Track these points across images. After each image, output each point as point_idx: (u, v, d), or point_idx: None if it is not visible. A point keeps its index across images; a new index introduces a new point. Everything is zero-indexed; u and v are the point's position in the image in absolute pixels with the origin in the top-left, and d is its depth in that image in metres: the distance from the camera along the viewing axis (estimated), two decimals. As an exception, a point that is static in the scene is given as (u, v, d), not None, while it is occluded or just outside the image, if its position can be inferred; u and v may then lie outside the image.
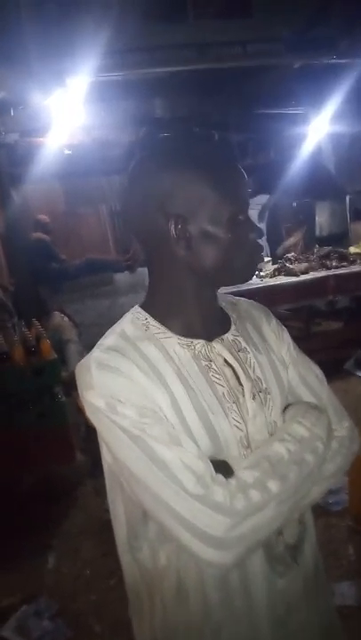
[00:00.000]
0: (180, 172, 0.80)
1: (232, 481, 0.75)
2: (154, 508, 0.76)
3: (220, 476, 0.75)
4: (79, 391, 0.82)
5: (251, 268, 0.88)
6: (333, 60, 3.75)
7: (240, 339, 0.90)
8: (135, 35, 2.97)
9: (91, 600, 2.34)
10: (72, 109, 3.44)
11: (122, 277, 5.32)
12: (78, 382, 0.82)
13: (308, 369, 0.97)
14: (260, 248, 0.89)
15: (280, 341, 0.97)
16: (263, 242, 5.75)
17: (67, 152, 4.84)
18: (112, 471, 0.86)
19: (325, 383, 0.97)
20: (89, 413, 0.81)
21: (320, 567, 0.97)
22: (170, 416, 0.79)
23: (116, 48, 2.90)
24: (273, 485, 0.75)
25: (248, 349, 0.90)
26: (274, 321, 0.99)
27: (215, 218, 0.80)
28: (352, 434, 0.93)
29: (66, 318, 4.53)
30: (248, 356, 0.89)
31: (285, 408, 0.89)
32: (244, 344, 0.90)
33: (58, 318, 4.46)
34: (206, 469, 0.75)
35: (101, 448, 0.86)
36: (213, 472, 0.75)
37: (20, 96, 3.09)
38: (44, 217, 5.32)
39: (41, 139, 4.17)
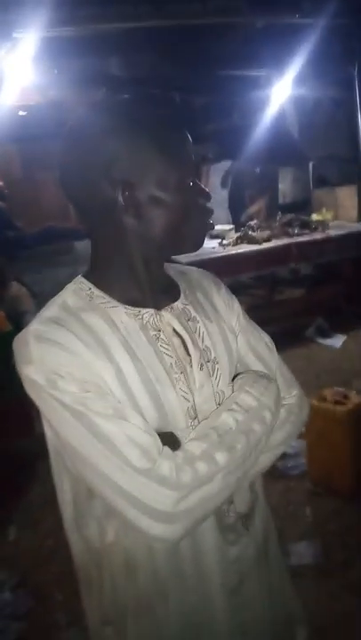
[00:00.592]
0: (125, 135, 0.75)
1: (179, 453, 0.74)
2: (99, 486, 0.74)
3: (167, 449, 0.74)
4: (17, 366, 0.77)
5: (201, 235, 0.86)
6: (297, 20, 3.66)
7: (190, 307, 0.88)
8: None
9: (52, 571, 2.34)
10: (22, 66, 3.24)
11: (82, 245, 5.19)
12: (16, 357, 0.78)
13: (258, 337, 0.96)
14: (210, 212, 0.86)
15: (230, 310, 0.95)
16: (226, 209, 5.73)
17: (21, 113, 4.62)
18: (56, 448, 0.83)
19: (275, 351, 0.97)
20: (28, 390, 0.77)
21: (272, 534, 0.98)
22: (115, 389, 0.76)
23: (66, 0, 2.72)
24: (220, 457, 0.74)
25: (198, 318, 0.88)
26: (224, 290, 0.98)
27: (163, 183, 0.77)
28: (301, 401, 0.93)
29: (24, 288, 4.40)
30: (197, 325, 0.87)
31: (234, 377, 0.88)
32: (193, 313, 0.88)
33: (16, 289, 4.33)
34: (153, 443, 0.73)
35: (44, 425, 0.83)
36: (160, 445, 0.74)
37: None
38: (-1, 183, 5.10)
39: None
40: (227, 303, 0.96)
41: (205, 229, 0.87)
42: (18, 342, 0.78)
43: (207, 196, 0.84)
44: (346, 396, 2.62)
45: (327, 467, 2.61)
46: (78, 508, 0.85)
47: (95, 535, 0.84)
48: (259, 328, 0.99)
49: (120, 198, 0.76)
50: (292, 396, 0.92)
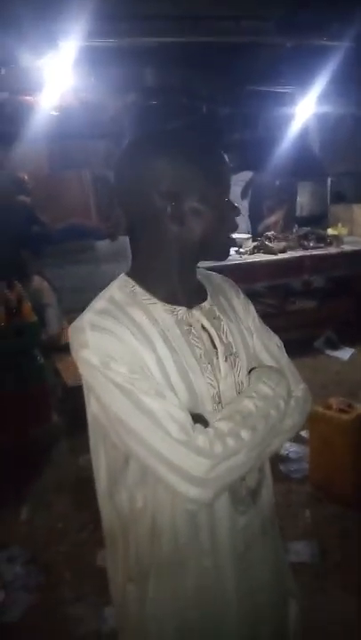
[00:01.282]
0: (173, 156, 0.90)
1: (210, 430, 0.86)
2: (143, 454, 0.85)
3: (200, 425, 0.86)
4: (73, 350, 0.90)
5: (229, 244, 1.01)
6: (323, 42, 3.78)
7: (215, 308, 1.02)
8: (129, 2, 2.95)
9: (62, 551, 2.48)
10: (62, 72, 3.40)
11: (103, 245, 5.33)
12: (72, 342, 0.90)
13: (270, 338, 1.10)
14: (237, 227, 1.00)
15: (247, 312, 1.09)
16: (245, 219, 5.84)
17: (54, 113, 4.77)
18: (97, 423, 0.95)
19: (284, 351, 1.10)
20: (83, 370, 0.89)
21: (273, 511, 1.11)
22: (155, 373, 0.89)
23: (108, 14, 2.88)
24: (245, 434, 0.87)
25: (221, 317, 1.02)
26: (242, 295, 1.12)
27: (205, 197, 0.91)
28: (306, 395, 1.06)
29: (45, 282, 4.56)
30: (221, 323, 1.01)
31: (250, 371, 1.01)
32: (218, 312, 1.02)
33: (38, 282, 4.49)
34: (187, 419, 0.85)
35: (87, 401, 0.95)
36: (192, 422, 0.86)
37: (12, 55, 3.05)
38: (22, 175, 5.23)
39: (30, 98, 4.11)
40: (244, 306, 1.09)
41: (231, 242, 1.02)
42: (75, 330, 0.91)
43: (238, 212, 0.99)
44: (350, 406, 2.72)
45: (329, 473, 2.71)
46: (112, 477, 0.97)
47: (125, 502, 0.96)
48: (270, 330, 1.13)
49: (168, 208, 0.90)
50: (299, 389, 1.06)
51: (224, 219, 0.95)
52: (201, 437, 0.84)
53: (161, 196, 0.90)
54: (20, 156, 5.04)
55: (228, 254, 1.01)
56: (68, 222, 5.33)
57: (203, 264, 1.03)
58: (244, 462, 0.87)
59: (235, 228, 0.99)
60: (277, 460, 2.99)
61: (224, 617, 1.00)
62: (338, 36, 3.76)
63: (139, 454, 0.87)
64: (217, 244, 0.97)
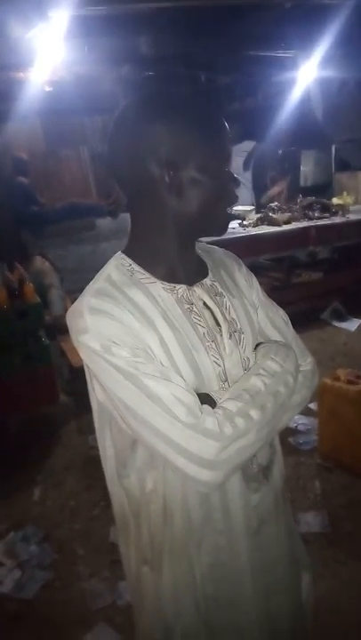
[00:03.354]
0: (173, 121, 0.84)
1: (219, 410, 0.84)
2: (150, 439, 0.83)
3: (207, 407, 0.84)
4: (73, 335, 0.87)
5: (228, 218, 0.96)
6: (324, 1, 3.63)
7: (217, 284, 0.98)
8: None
9: (75, 528, 2.51)
10: (54, 44, 3.30)
11: (104, 223, 5.27)
12: (71, 327, 0.87)
13: (275, 312, 1.06)
14: (236, 199, 0.95)
15: (250, 287, 1.05)
16: (248, 190, 5.75)
17: (47, 89, 4.65)
18: (102, 408, 0.93)
19: (290, 325, 1.07)
20: (83, 355, 0.86)
21: (285, 485, 1.09)
22: (159, 355, 0.86)
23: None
24: (254, 414, 0.84)
25: (224, 294, 0.98)
26: (244, 268, 1.08)
27: (204, 167, 0.86)
28: (314, 368, 1.04)
29: (47, 263, 4.52)
30: (224, 299, 0.97)
31: (256, 346, 0.98)
32: (220, 289, 0.98)
33: (39, 263, 4.45)
34: (195, 401, 0.83)
35: (91, 388, 0.92)
36: (200, 404, 0.84)
37: (1, 28, 2.95)
38: (24, 156, 5.15)
39: (22, 73, 4.00)
40: (247, 280, 1.05)
41: (230, 215, 0.96)
42: (73, 314, 0.87)
43: (238, 184, 0.94)
44: (359, 377, 2.70)
45: (338, 443, 2.71)
46: (120, 460, 0.96)
47: (135, 485, 0.95)
48: (275, 303, 1.09)
49: (166, 177, 0.85)
50: (307, 363, 1.03)
51: (224, 191, 0.90)
52: (210, 419, 0.82)
53: (159, 164, 0.84)
54: (15, 134, 4.94)
55: (226, 229, 0.96)
56: (67, 201, 5.28)
57: (204, 238, 0.98)
58: (255, 442, 0.85)
59: (234, 201, 0.94)
60: (287, 432, 3.00)
61: (239, 592, 1.00)
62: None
63: (147, 439, 0.84)
64: (216, 218, 0.92)
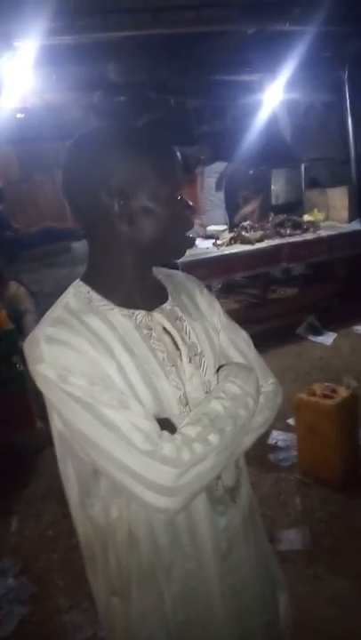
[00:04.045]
0: (123, 153, 0.86)
1: (177, 436, 0.84)
2: (108, 467, 0.82)
3: (166, 433, 0.84)
4: (29, 364, 0.86)
5: (185, 243, 0.97)
6: (288, 27, 3.76)
7: (177, 308, 0.99)
8: (86, -3, 2.90)
9: (53, 559, 2.45)
10: (22, 73, 3.34)
11: (80, 246, 5.26)
12: (28, 356, 0.87)
13: (237, 333, 1.07)
14: (192, 225, 0.97)
15: (212, 309, 1.06)
16: (222, 210, 5.83)
17: (19, 116, 4.70)
18: (62, 437, 0.92)
19: (252, 345, 1.08)
20: (40, 385, 0.86)
21: (255, 505, 1.09)
22: (118, 382, 0.85)
23: (66, 10, 2.82)
24: (213, 438, 0.84)
25: (184, 318, 0.98)
26: (205, 291, 1.09)
27: (155, 195, 0.88)
28: (276, 388, 1.05)
29: (22, 288, 4.48)
30: (184, 323, 0.98)
31: (218, 369, 0.99)
32: (180, 313, 0.98)
33: (14, 288, 4.41)
34: (153, 428, 0.83)
35: (51, 417, 0.92)
36: (159, 430, 0.83)
37: (-33, 58, 2.99)
38: (-3, 182, 5.16)
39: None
40: (209, 303, 1.06)
41: (187, 241, 0.97)
42: (30, 343, 0.87)
43: (192, 210, 0.96)
44: (334, 391, 2.72)
45: (316, 458, 2.72)
46: (84, 490, 0.95)
47: (100, 513, 0.94)
48: (237, 325, 1.10)
49: (116, 206, 0.86)
50: (268, 384, 1.04)
51: (178, 217, 0.91)
52: (167, 446, 0.81)
53: (109, 194, 0.86)
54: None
55: (184, 253, 0.97)
56: (42, 225, 5.27)
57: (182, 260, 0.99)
58: (213, 466, 0.85)
59: (190, 227, 0.96)
60: (267, 449, 3.00)
61: (211, 617, 0.99)
62: (302, 20, 3.74)
63: (105, 468, 0.84)
64: (172, 244, 0.93)
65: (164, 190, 0.88)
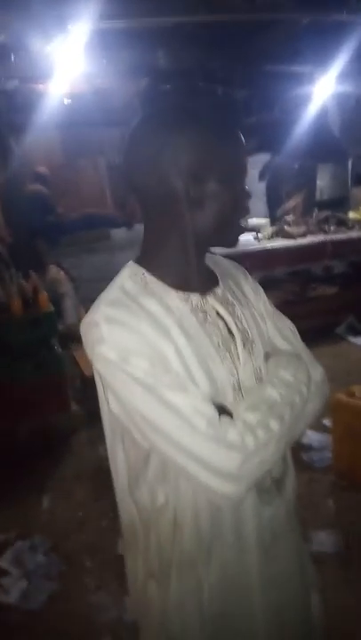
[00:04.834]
0: (195, 133, 0.84)
1: (238, 422, 0.82)
2: (170, 452, 0.81)
3: (227, 418, 0.82)
4: (88, 346, 0.85)
5: (240, 230, 0.95)
6: (343, 17, 3.63)
7: (227, 293, 0.97)
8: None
9: (82, 540, 2.48)
10: (73, 57, 3.34)
11: (119, 233, 5.30)
12: (86, 338, 0.85)
13: (283, 322, 1.05)
14: (248, 211, 0.95)
15: (257, 297, 1.04)
16: (263, 203, 5.74)
17: (66, 101, 4.72)
18: (115, 421, 0.90)
19: (298, 334, 1.06)
20: (100, 366, 0.84)
21: (296, 501, 1.07)
22: (175, 365, 0.84)
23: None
24: (274, 425, 0.83)
25: (235, 303, 0.97)
26: (250, 278, 1.07)
27: (224, 179, 0.86)
28: (324, 378, 1.02)
29: (62, 272, 4.55)
30: (235, 309, 0.96)
31: (266, 357, 0.97)
32: (231, 298, 0.97)
33: (54, 272, 4.48)
34: (214, 412, 0.81)
35: (103, 399, 0.90)
36: (218, 414, 0.81)
37: (21, 41, 2.99)
38: (43, 169, 5.23)
39: (41, 86, 4.07)
40: (254, 290, 1.05)
41: (242, 229, 0.96)
42: (88, 325, 0.85)
43: (249, 196, 0.93)
44: (374, 393, 2.66)
45: (353, 461, 2.65)
46: (133, 474, 0.94)
47: (147, 498, 0.93)
48: (282, 314, 1.08)
49: (190, 190, 0.84)
50: (317, 373, 1.01)
51: (238, 203, 0.90)
52: (231, 431, 0.80)
53: (180, 176, 0.83)
54: (34, 145, 5.01)
55: (238, 241, 0.95)
56: (83, 211, 5.32)
57: (218, 251, 0.98)
58: (274, 453, 0.84)
59: (247, 213, 0.94)
60: (300, 449, 2.95)
61: (248, 608, 0.97)
62: (358, 9, 3.62)
63: (165, 452, 0.82)
64: (230, 230, 0.92)
65: (231, 174, 0.87)
